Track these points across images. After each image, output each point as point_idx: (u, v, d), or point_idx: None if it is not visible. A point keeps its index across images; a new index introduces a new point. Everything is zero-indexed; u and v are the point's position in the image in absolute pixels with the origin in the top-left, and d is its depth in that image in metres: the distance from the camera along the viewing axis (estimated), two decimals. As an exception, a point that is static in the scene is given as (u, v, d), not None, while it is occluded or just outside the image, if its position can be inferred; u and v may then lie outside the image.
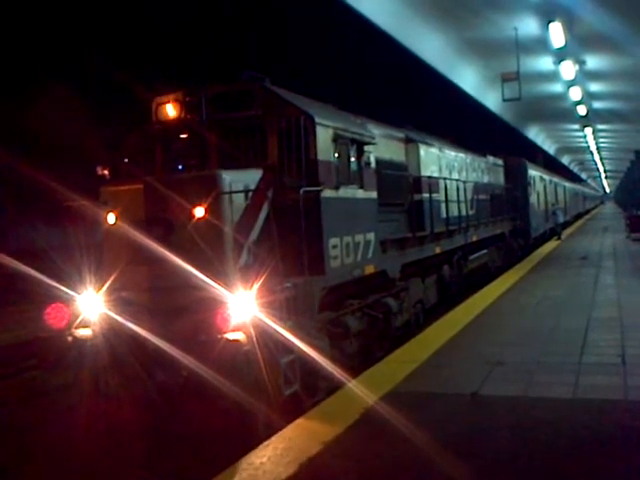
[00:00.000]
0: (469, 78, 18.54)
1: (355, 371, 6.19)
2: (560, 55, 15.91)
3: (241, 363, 4.94)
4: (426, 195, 9.66)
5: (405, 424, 4.46)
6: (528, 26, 13.99)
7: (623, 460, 3.90)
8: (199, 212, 5.34)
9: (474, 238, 12.87)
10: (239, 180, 5.66)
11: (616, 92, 20.30)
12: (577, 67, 16.87)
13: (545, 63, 17.22)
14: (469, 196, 12.85)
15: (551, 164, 37.65)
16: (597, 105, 22.77)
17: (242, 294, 5.19)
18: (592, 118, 25.23)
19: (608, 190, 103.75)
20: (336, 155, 6.57)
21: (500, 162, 17.78)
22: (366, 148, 7.38)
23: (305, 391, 5.47)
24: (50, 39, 14.97)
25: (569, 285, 11.72)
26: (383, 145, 8.84)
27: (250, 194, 5.72)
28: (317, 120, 6.20)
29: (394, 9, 13.01)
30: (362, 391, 5.35)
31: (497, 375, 5.80)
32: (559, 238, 24.54)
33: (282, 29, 17.46)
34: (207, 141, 6.49)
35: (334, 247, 6.32)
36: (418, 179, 9.70)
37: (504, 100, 15.81)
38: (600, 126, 28.46)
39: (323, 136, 6.33)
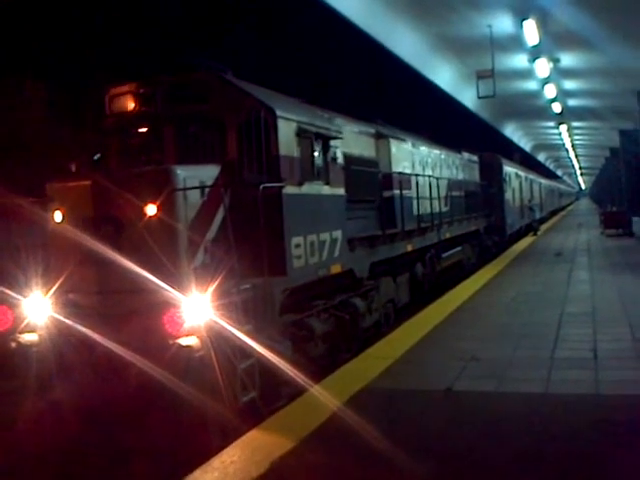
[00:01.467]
0: (445, 75, 18.44)
1: (321, 374, 5.95)
2: (535, 53, 15.91)
3: (194, 369, 4.66)
4: (397, 192, 9.41)
5: (374, 425, 4.34)
6: (502, 24, 13.92)
7: (593, 454, 3.87)
8: (151, 210, 5.03)
9: (447, 235, 12.68)
10: (194, 176, 5.36)
11: (590, 90, 20.40)
12: (551, 65, 16.89)
13: (520, 61, 17.20)
14: (443, 193, 12.67)
15: (527, 161, 37.99)
16: (572, 103, 22.88)
17: (196, 296, 4.91)
18: (567, 115, 25.39)
19: (583, 187, 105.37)
20: (300, 150, 6.29)
21: (475, 158, 17.64)
22: (332, 143, 7.11)
23: (265, 398, 5.20)
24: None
25: (543, 281, 11.76)
26: (352, 140, 8.60)
27: (207, 191, 5.42)
28: (278, 113, 5.92)
29: (367, 4, 12.79)
30: (328, 394, 5.16)
31: (471, 371, 5.78)
32: (536, 234, 24.69)
33: (262, 28, 17.16)
34: (163, 135, 6.17)
35: (297, 246, 6.06)
36: (389, 175, 9.45)
37: (479, 97, 15.72)
38: (575, 123, 28.68)
39: (285, 130, 6.06)
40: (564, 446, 4.00)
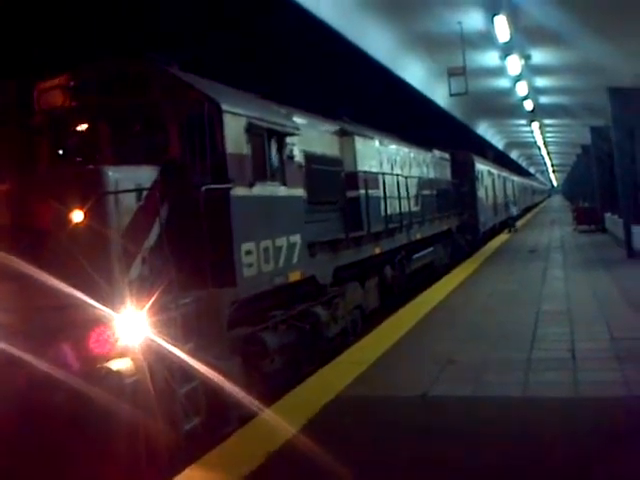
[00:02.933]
0: (417, 73, 18.07)
1: (283, 390, 5.43)
2: (506, 50, 15.64)
3: (127, 398, 4.10)
4: (363, 192, 8.88)
5: (338, 445, 4.03)
6: (473, 20, 13.60)
7: (575, 458, 3.72)
8: (77, 216, 4.46)
9: (418, 236, 12.22)
10: (129, 178, 4.80)
11: (561, 87, 20.27)
12: (523, 62, 16.68)
13: (492, 58, 16.94)
14: (413, 192, 12.21)
15: (501, 159, 38.06)
16: (543, 100, 22.78)
17: (130, 312, 4.35)
18: (539, 113, 25.31)
19: (555, 184, 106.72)
20: (250, 148, 5.73)
21: (447, 156, 17.34)
22: (289, 140, 6.59)
23: (213, 424, 4.67)
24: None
25: (518, 279, 11.69)
26: (314, 138, 8.11)
27: (144, 194, 4.86)
28: (225, 107, 5.38)
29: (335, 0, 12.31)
30: (288, 413, 4.74)
31: (448, 374, 5.61)
32: (513, 230, 24.61)
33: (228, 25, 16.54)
34: (99, 133, 5.58)
35: (248, 253, 5.50)
36: (354, 174, 8.92)
37: (451, 95, 15.34)
38: (547, 121, 28.66)
39: (233, 126, 5.51)
40: (545, 453, 3.83)
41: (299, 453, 3.98)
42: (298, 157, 6.94)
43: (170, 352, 4.38)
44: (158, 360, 4.32)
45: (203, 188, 4.86)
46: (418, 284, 11.83)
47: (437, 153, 16.06)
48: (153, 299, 4.44)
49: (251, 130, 5.74)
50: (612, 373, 5.28)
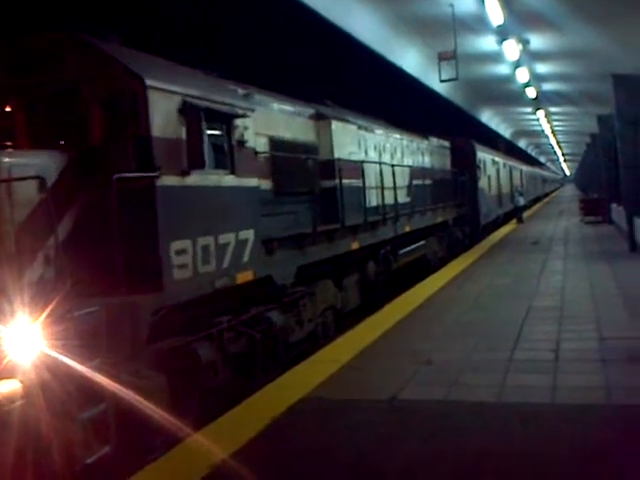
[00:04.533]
0: (411, 58, 17.28)
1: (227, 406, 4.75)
2: (502, 34, 14.93)
3: (11, 424, 3.44)
4: (341, 181, 8.07)
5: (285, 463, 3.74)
6: (465, 1, 12.85)
7: (539, 474, 3.40)
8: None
9: (407, 229, 11.29)
10: (27, 164, 4.12)
11: (563, 73, 19.39)
12: (521, 47, 15.89)
13: (488, 43, 16.19)
14: (402, 182, 11.34)
15: (508, 148, 36.99)
16: (546, 87, 21.90)
17: (21, 323, 3.68)
18: (543, 101, 24.42)
19: (568, 173, 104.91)
20: (186, 131, 4.94)
21: (446, 144, 16.36)
22: (240, 123, 5.80)
23: (129, 452, 3.99)
24: None
25: (516, 272, 11.18)
26: (282, 122, 7.35)
27: (51, 184, 4.17)
28: (150, 83, 4.64)
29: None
30: (221, 435, 4.17)
31: (422, 376, 5.31)
32: (521, 221, 23.73)
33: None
34: (13, 117, 4.89)
35: (181, 252, 4.73)
36: (330, 162, 8.09)
37: (441, 81, 14.49)
38: (552, 109, 27.70)
39: (162, 105, 4.75)
40: (506, 464, 3.54)
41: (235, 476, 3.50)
42: (254, 142, 6.11)
43: (70, 370, 3.70)
44: (54, 380, 3.64)
45: (115, 177, 4.15)
46: (409, 280, 11.00)
47: (434, 140, 15.13)
48: (52, 307, 3.75)
49: (187, 110, 4.94)
50: (594, 377, 4.92)
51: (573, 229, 19.80)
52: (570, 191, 69.31)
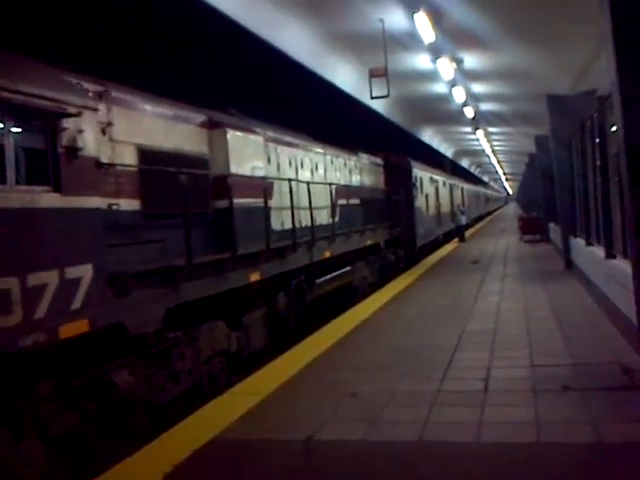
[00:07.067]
0: (344, 74, 17.19)
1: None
2: (435, 52, 15.04)
3: None
4: (232, 201, 6.94)
5: None
6: (395, 17, 12.86)
7: None
8: None
9: (327, 254, 9.99)
10: None
11: (499, 94, 19.87)
12: (455, 66, 16.09)
13: (423, 61, 16.31)
14: (324, 201, 10.24)
15: (453, 167, 37.78)
16: (483, 107, 22.41)
17: None
18: (480, 121, 24.98)
19: (511, 192, 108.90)
20: None
21: (379, 161, 15.72)
22: (71, 124, 4.57)
23: None
24: None
25: (453, 293, 11.09)
26: (158, 128, 6.24)
27: None
28: None
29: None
30: None
31: (344, 411, 5.01)
32: (463, 240, 23.99)
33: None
34: None
35: None
36: (223, 178, 6.97)
37: (372, 98, 14.37)
38: (491, 129, 28.45)
39: None
40: None
41: None
42: (98, 150, 4.94)
43: None
44: None
45: None
46: (333, 311, 9.85)
47: (365, 157, 14.43)
48: None
49: None
50: (523, 410, 4.67)
51: (513, 248, 20.14)
52: (512, 209, 71.91)
